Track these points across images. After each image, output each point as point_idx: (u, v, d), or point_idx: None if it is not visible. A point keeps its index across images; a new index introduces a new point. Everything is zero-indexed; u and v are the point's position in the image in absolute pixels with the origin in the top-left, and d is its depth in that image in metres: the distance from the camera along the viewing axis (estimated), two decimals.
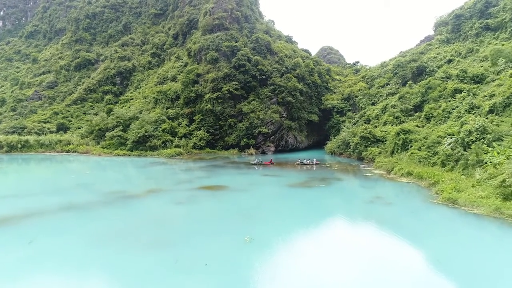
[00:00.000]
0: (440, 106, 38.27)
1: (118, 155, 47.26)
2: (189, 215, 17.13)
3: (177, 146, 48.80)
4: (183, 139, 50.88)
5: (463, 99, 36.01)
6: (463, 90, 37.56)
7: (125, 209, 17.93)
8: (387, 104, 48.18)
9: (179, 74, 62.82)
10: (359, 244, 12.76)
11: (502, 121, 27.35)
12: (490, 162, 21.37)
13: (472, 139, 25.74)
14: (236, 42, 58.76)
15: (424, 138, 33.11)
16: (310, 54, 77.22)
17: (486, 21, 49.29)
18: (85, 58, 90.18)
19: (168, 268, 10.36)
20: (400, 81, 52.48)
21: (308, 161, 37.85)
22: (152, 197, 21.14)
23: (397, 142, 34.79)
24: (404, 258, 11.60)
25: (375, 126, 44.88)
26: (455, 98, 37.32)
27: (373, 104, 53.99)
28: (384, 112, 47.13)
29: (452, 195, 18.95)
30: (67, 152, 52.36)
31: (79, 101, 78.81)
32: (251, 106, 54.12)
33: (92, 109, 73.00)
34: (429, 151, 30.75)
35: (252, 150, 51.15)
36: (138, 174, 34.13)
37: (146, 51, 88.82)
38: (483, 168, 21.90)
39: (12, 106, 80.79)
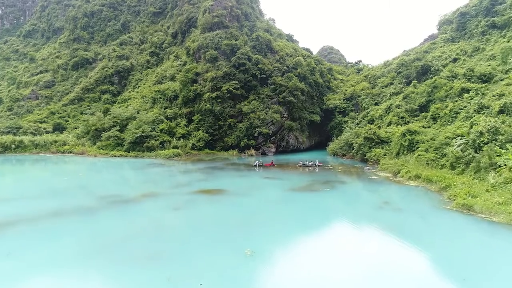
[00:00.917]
0: (447, 106, 37.07)
1: (115, 156, 45.98)
2: (185, 223, 15.87)
3: (175, 147, 47.55)
4: (182, 139, 49.61)
5: (471, 99, 34.83)
6: (470, 90, 36.41)
7: (117, 216, 16.66)
8: (391, 104, 46.98)
9: (177, 73, 61.55)
10: (372, 257, 11.51)
11: None
12: (505, 165, 20.15)
13: (483, 141, 24.52)
14: (236, 41, 57.50)
15: (431, 139, 31.90)
16: (312, 53, 75.96)
17: (492, 19, 48.08)
18: (83, 57, 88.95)
19: (159, 287, 9.12)
20: (404, 80, 51.28)
21: (310, 163, 36.61)
22: (147, 202, 19.88)
23: (403, 143, 33.55)
24: (425, 275, 10.34)
25: (379, 127, 43.66)
26: (463, 98, 36.14)
27: (376, 104, 52.77)
28: (388, 112, 45.93)
29: (467, 201, 17.72)
30: (63, 152, 51.06)
31: (76, 100, 77.57)
32: (251, 106, 52.82)
33: (89, 109, 71.77)
34: (437, 153, 29.56)
35: (252, 151, 49.88)
36: (134, 176, 32.86)
37: (144, 50, 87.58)
38: (497, 171, 20.68)
39: (8, 106, 79.55)
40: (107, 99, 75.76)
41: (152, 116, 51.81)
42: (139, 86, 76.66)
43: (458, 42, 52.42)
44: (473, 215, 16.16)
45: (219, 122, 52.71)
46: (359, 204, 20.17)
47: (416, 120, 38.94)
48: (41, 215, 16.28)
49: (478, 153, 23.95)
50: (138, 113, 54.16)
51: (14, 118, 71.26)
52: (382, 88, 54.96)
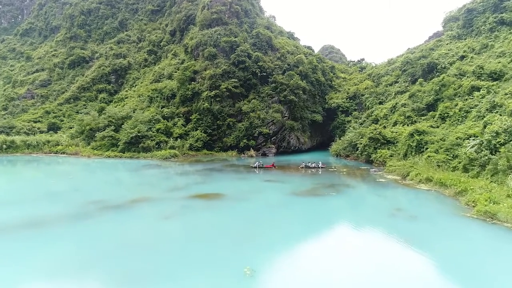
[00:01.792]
0: (456, 105, 35.39)
1: (109, 156, 44.22)
2: (176, 235, 14.14)
3: (172, 148, 45.81)
4: (179, 140, 47.86)
5: (482, 97, 33.17)
6: (481, 88, 34.76)
7: (100, 226, 14.93)
8: (396, 103, 45.27)
9: (175, 72, 59.74)
10: (391, 275, 9.78)
11: None
12: None
13: (500, 141, 22.87)
14: (235, 37, 55.75)
15: (441, 139, 30.27)
16: (313, 51, 74.16)
17: (501, 16, 46.38)
18: (80, 56, 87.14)
19: None
20: (409, 78, 49.57)
21: (313, 164, 34.90)
22: (136, 208, 18.15)
23: (411, 143, 31.87)
24: None
25: (384, 127, 41.97)
26: (473, 96, 34.51)
27: (380, 103, 51.05)
28: (394, 112, 44.24)
29: (488, 207, 16.04)
30: (55, 153, 49.24)
31: (72, 99, 75.75)
32: (251, 105, 51.02)
33: (85, 108, 69.92)
34: (447, 154, 27.92)
35: (252, 152, 48.12)
36: (126, 178, 31.12)
37: (142, 48, 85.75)
38: None
39: (3, 105, 77.73)
40: (104, 98, 73.95)
41: (148, 116, 50.05)
42: (136, 85, 74.86)
43: (465, 39, 50.69)
44: (498, 225, 14.50)
45: (217, 122, 50.97)
46: (369, 211, 18.44)
47: (424, 120, 37.24)
48: (11, 226, 14.52)
49: (494, 155, 22.32)
50: (134, 112, 52.35)
51: (9, 117, 69.43)
52: (387, 87, 53.23)
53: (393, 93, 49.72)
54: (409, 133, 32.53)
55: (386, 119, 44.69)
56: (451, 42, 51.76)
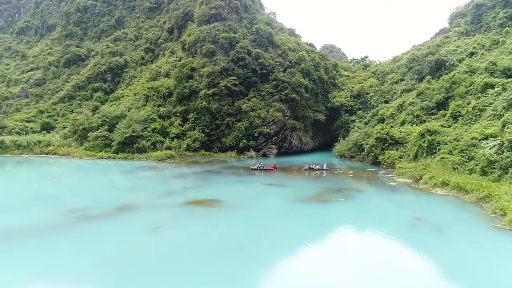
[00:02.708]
0: (468, 103, 33.41)
1: (102, 157, 42.09)
2: (165, 250, 12.05)
3: (168, 148, 43.66)
4: (175, 140, 45.72)
5: (497, 95, 31.16)
6: (495, 85, 32.77)
7: (77, 240, 12.85)
8: (403, 102, 43.24)
9: (172, 70, 57.59)
10: None
11: None
12: None
13: None
14: (234, 34, 53.65)
15: (454, 140, 28.24)
16: (315, 48, 72.03)
17: (511, 11, 44.44)
18: (75, 54, 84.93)
19: None
20: (416, 76, 47.56)
21: (317, 166, 32.84)
22: (122, 217, 16.08)
23: (422, 144, 29.82)
24: None
25: (391, 126, 39.93)
26: (487, 94, 32.51)
27: (386, 102, 48.98)
28: (401, 111, 42.22)
29: None
30: (47, 154, 47.01)
31: (66, 98, 73.55)
32: (251, 103, 48.89)
33: (80, 107, 67.62)
34: (462, 156, 25.92)
35: (252, 153, 45.98)
36: (117, 182, 29.01)
37: (139, 46, 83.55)
38: None
39: None
40: (100, 97, 71.72)
41: (143, 115, 47.89)
42: (132, 84, 72.68)
43: (474, 35, 48.73)
44: None
45: (216, 121, 48.87)
46: (386, 221, 16.36)
47: (434, 119, 35.22)
48: None
49: None
50: (129, 111, 50.16)
51: (1, 117, 67.21)
52: (392, 85, 51.17)
53: (399, 91, 47.70)
54: (419, 133, 30.50)
55: (393, 118, 42.66)
56: (459, 39, 49.76)
